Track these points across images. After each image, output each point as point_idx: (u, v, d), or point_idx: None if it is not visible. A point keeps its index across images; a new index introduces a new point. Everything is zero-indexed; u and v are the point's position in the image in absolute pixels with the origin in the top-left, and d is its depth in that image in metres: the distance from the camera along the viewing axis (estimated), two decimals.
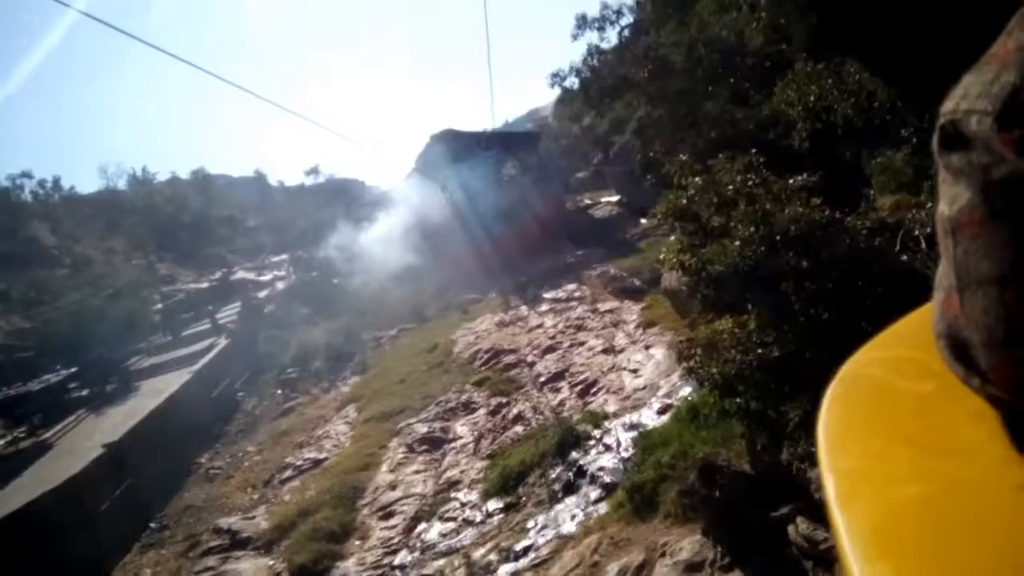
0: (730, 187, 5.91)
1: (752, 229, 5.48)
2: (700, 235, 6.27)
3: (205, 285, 30.64)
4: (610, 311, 15.29)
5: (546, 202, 28.01)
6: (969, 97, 0.47)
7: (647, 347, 11.80)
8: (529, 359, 13.82)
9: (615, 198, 33.86)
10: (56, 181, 53.82)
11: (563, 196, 32.97)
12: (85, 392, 18.16)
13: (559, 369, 12.57)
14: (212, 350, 18.91)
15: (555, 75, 15.93)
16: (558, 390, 11.83)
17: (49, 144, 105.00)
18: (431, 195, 28.51)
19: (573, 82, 15.85)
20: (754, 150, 6.37)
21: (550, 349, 13.84)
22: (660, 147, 10.71)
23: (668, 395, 9.66)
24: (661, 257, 7.59)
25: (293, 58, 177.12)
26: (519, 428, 10.85)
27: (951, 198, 0.50)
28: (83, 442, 13.20)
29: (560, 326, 15.39)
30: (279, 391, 17.49)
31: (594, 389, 11.18)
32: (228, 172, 73.06)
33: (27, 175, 52.16)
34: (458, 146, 29.01)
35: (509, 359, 14.26)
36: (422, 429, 11.87)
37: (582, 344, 13.58)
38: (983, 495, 0.49)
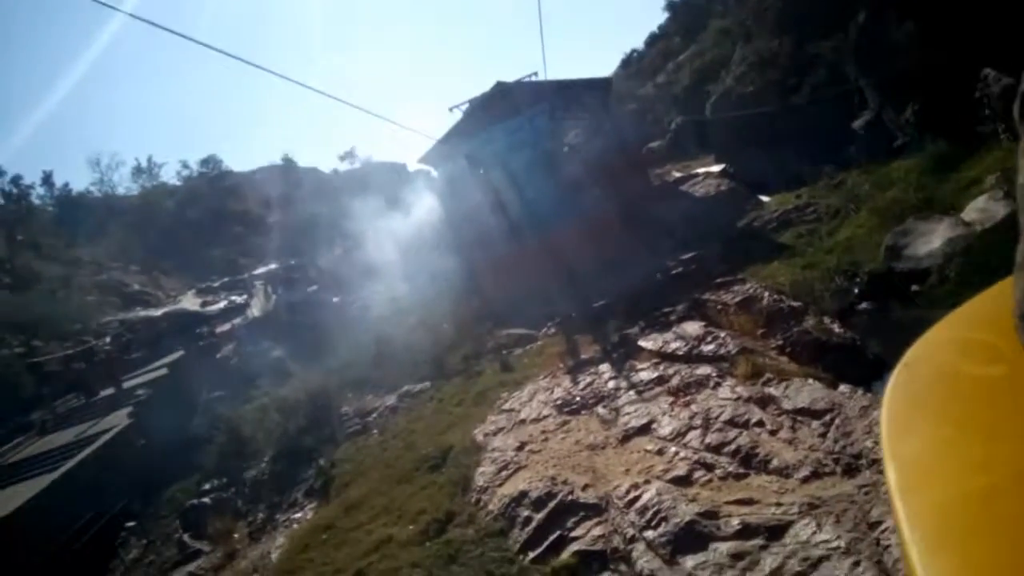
0: None
1: None
2: None
3: (160, 312, 23.78)
4: (810, 411, 6.98)
5: (625, 177, 19.34)
6: None
7: None
8: (638, 555, 5.75)
9: (717, 168, 24.83)
10: (47, 177, 48.88)
11: (649, 167, 24.27)
12: None
13: None
14: (88, 445, 11.74)
15: None
16: None
17: (49, 141, 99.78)
18: (467, 176, 20.75)
19: None
20: None
21: (691, 531, 5.70)
22: None
23: None
24: None
25: (326, 37, 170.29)
26: None
27: None
28: None
29: (694, 442, 7.21)
30: (179, 533, 10.20)
31: None
32: (259, 163, 67.59)
33: None
34: (503, 107, 20.82)
35: (587, 534, 6.30)
36: None
37: (776, 533, 5.36)
38: None
